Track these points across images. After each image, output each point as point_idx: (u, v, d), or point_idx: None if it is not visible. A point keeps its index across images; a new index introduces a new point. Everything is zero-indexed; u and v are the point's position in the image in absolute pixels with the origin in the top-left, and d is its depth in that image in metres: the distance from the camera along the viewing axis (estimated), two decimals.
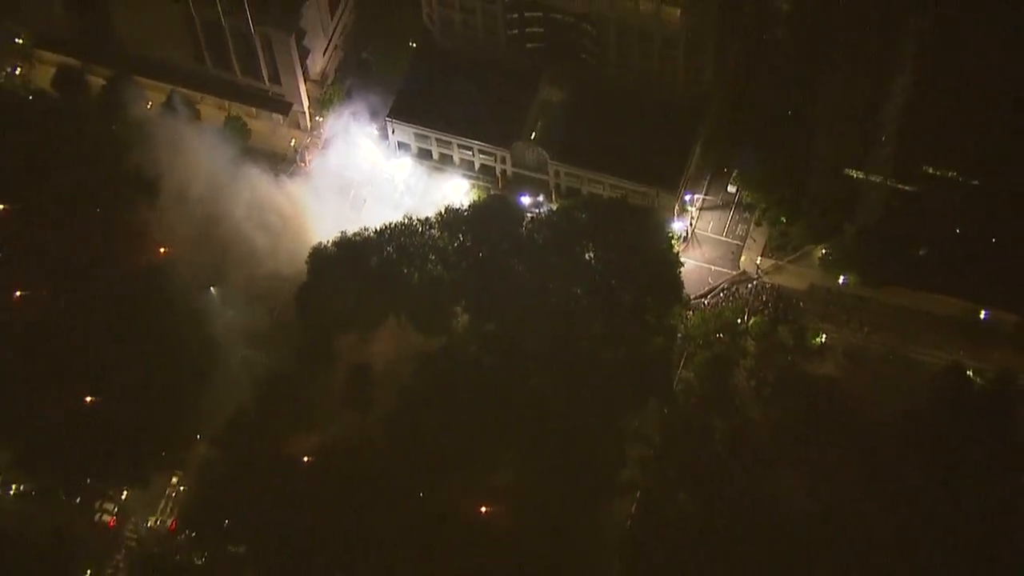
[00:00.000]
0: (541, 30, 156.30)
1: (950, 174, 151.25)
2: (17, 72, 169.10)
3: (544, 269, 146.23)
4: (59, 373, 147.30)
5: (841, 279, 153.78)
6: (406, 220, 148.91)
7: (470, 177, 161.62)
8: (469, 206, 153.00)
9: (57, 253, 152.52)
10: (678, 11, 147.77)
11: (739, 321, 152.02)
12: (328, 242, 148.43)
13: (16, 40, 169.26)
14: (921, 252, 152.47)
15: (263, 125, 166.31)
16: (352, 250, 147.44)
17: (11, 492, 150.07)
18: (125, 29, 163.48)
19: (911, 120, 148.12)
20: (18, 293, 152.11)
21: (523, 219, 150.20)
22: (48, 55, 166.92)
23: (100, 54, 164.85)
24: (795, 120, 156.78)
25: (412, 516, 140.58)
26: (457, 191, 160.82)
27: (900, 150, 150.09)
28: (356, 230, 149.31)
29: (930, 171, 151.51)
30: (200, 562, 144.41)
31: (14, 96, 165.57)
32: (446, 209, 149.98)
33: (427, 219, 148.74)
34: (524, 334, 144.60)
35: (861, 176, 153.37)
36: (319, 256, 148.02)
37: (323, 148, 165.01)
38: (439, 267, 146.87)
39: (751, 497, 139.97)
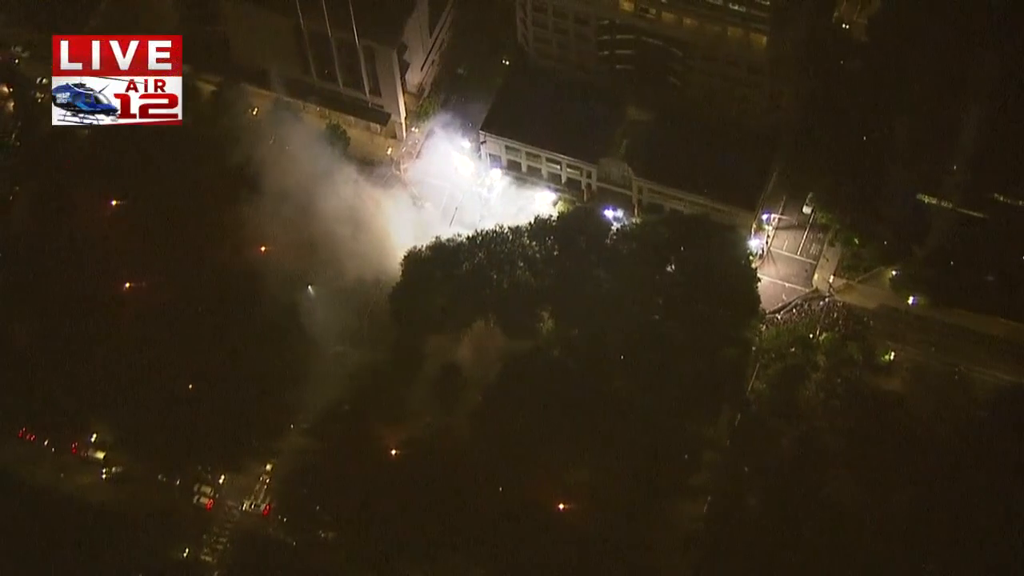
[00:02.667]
0: (631, 52, 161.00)
1: (1020, 202, 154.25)
2: None
3: (627, 279, 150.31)
4: (164, 361, 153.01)
5: (911, 300, 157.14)
6: (497, 228, 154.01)
7: (556, 190, 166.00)
8: (558, 217, 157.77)
9: (165, 247, 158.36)
10: (764, 38, 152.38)
11: (811, 336, 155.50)
12: (423, 247, 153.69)
13: None
14: (988, 277, 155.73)
15: (361, 134, 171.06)
16: (445, 255, 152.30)
17: (103, 475, 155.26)
18: (237, 39, 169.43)
19: (983, 149, 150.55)
20: (127, 284, 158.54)
21: (608, 231, 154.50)
22: None
23: (211, 62, 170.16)
24: (869, 146, 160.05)
25: (492, 509, 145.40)
26: (544, 202, 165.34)
27: (972, 178, 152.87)
28: (449, 236, 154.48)
29: (1000, 199, 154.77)
30: (292, 543, 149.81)
31: None
32: (536, 219, 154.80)
33: (517, 228, 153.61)
34: (606, 340, 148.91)
35: (933, 202, 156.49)
36: (413, 259, 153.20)
37: (417, 157, 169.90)
38: (527, 274, 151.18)
39: (817, 504, 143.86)
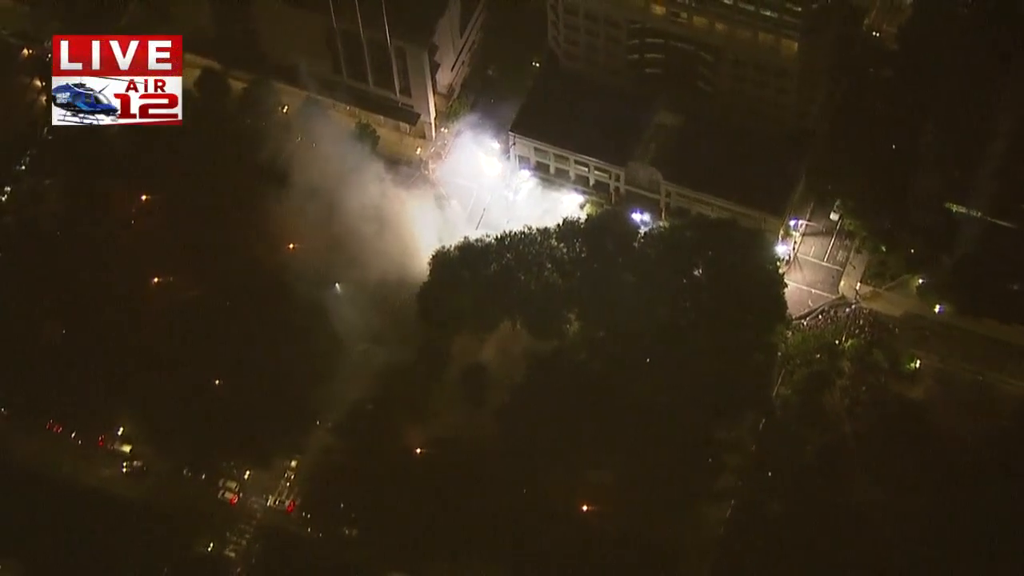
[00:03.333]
0: (661, 56, 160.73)
1: None
2: None
3: (654, 282, 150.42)
4: (191, 356, 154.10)
5: (937, 308, 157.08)
6: (526, 229, 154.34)
7: (584, 192, 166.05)
8: (585, 219, 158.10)
9: (193, 243, 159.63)
10: (795, 44, 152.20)
11: (837, 343, 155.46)
12: (451, 247, 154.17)
13: None
14: (1015, 286, 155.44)
15: (390, 133, 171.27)
16: (473, 255, 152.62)
17: (123, 469, 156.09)
18: (267, 37, 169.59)
19: (1013, 158, 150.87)
20: (156, 279, 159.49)
21: (636, 234, 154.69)
22: (194, 58, 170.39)
23: (242, 59, 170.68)
24: (898, 154, 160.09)
25: (515, 508, 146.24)
26: (571, 205, 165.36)
27: (1001, 187, 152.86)
28: (477, 237, 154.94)
29: None
30: (316, 540, 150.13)
31: None
32: (564, 221, 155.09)
33: (546, 229, 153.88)
34: (632, 342, 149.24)
35: (961, 210, 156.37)
36: (442, 259, 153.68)
37: (445, 158, 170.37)
38: (555, 275, 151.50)
39: (841, 510, 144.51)
